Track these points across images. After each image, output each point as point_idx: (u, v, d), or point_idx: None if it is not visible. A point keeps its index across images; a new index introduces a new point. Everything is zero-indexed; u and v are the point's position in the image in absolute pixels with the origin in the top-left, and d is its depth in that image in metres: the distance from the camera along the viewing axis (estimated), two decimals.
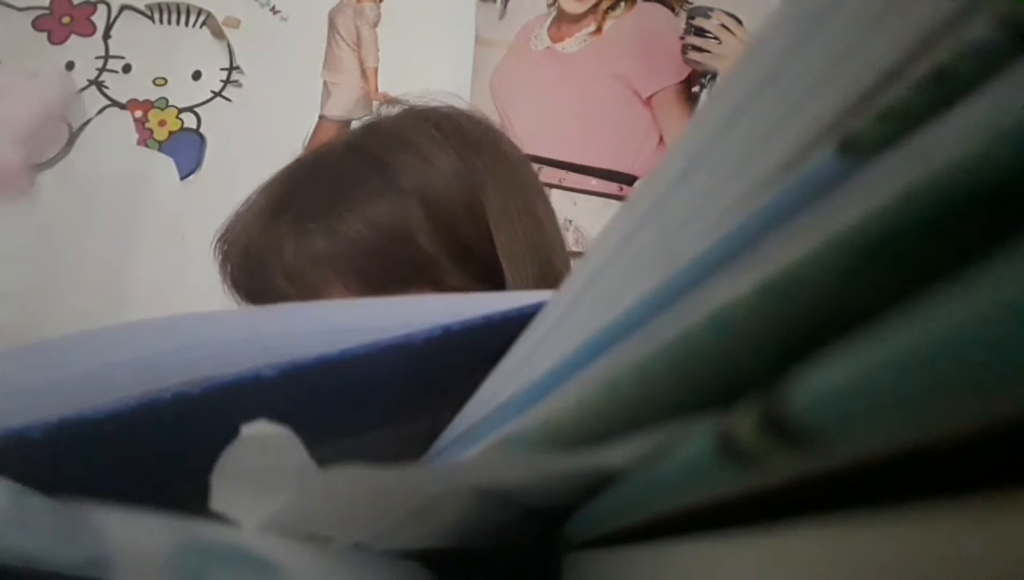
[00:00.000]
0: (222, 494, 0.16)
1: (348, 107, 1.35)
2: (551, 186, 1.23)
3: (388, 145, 0.50)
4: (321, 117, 1.34)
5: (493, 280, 0.48)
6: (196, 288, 1.27)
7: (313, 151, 0.54)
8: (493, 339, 0.21)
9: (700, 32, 1.32)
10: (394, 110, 0.54)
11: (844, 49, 0.09)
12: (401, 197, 0.47)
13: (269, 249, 0.49)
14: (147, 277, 1.27)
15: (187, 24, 1.39)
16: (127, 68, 1.38)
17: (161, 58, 1.38)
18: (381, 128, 0.53)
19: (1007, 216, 0.06)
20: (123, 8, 1.40)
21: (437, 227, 0.47)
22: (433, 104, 0.54)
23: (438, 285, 0.47)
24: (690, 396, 0.10)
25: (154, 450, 0.20)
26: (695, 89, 1.30)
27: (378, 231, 0.47)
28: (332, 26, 1.38)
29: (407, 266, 0.47)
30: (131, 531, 0.10)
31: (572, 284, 0.16)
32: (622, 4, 1.35)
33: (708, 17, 1.32)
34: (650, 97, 1.30)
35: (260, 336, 0.22)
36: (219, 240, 0.53)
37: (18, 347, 0.21)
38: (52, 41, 1.39)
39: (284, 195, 0.51)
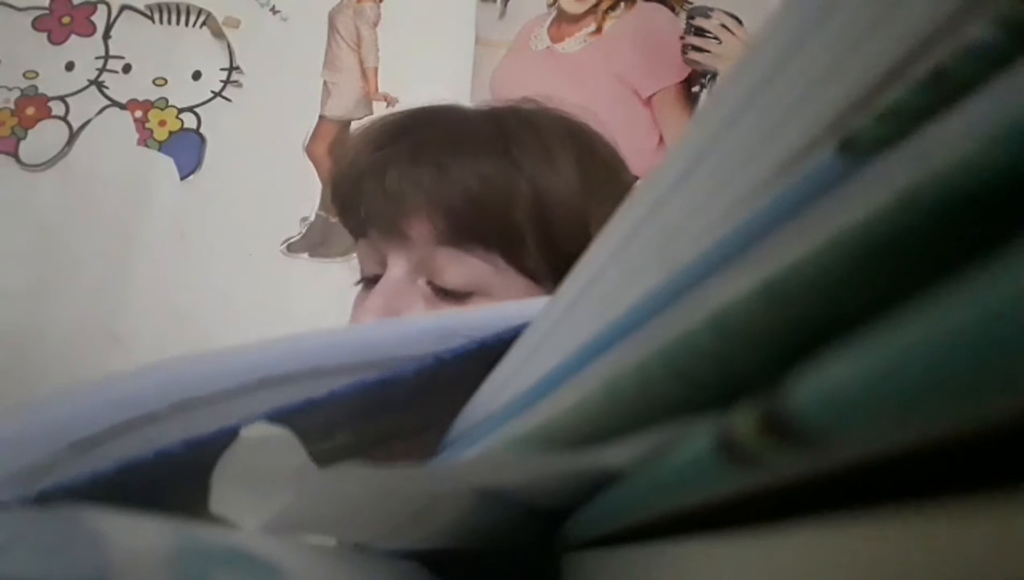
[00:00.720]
0: (222, 496, 0.16)
1: (348, 107, 1.35)
2: None
3: (521, 126, 0.52)
4: (321, 117, 1.34)
5: None
6: (196, 288, 1.28)
7: (438, 105, 0.56)
8: (490, 358, 0.21)
9: (700, 32, 1.32)
10: (531, 107, 0.56)
11: (844, 49, 0.09)
12: (515, 171, 0.49)
13: (374, 167, 0.51)
14: (147, 277, 1.27)
15: (187, 24, 1.39)
16: (127, 68, 1.38)
17: (161, 58, 1.38)
18: (518, 111, 0.54)
19: (1007, 216, 0.06)
20: (123, 8, 1.40)
21: (536, 210, 0.49)
22: (570, 115, 0.55)
23: (515, 260, 0.49)
24: (690, 396, 0.10)
25: (165, 499, 0.20)
26: (695, 89, 1.30)
27: (484, 184, 0.48)
28: (332, 26, 1.38)
29: (494, 229, 0.48)
30: (130, 535, 0.10)
31: (572, 284, 0.16)
32: (622, 4, 1.35)
33: (708, 17, 1.32)
34: (650, 97, 1.30)
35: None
36: (333, 148, 0.57)
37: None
38: (52, 41, 1.39)
39: (403, 127, 0.53)
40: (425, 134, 0.51)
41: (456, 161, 0.49)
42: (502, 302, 0.48)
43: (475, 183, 0.48)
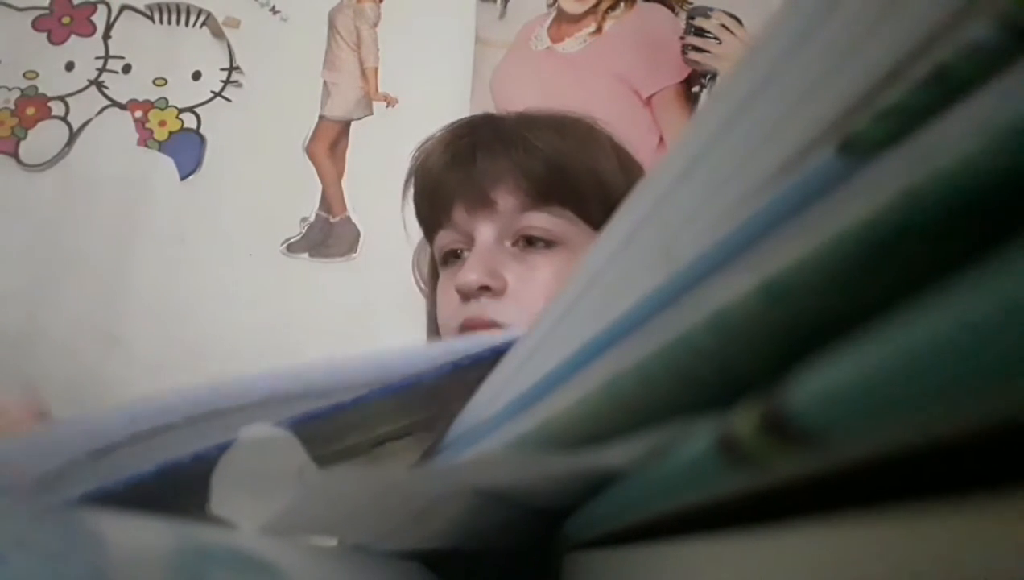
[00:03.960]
0: (222, 497, 0.16)
1: (348, 107, 1.35)
2: None
3: (563, 116, 0.63)
4: (321, 117, 1.34)
5: None
6: (196, 288, 1.27)
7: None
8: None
9: (700, 32, 1.32)
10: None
11: (844, 49, 0.09)
12: (573, 143, 0.60)
13: (462, 151, 0.60)
14: (147, 277, 1.27)
15: (187, 24, 1.39)
16: (127, 68, 1.38)
17: (161, 58, 1.38)
18: (553, 111, 0.65)
19: (1007, 216, 0.06)
20: (123, 8, 1.40)
21: (591, 171, 0.60)
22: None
23: (583, 213, 0.58)
24: (690, 396, 0.10)
25: (176, 508, 0.20)
26: (695, 89, 1.30)
27: (556, 153, 0.59)
28: (332, 26, 1.38)
29: (566, 189, 0.58)
30: (130, 536, 0.10)
31: (572, 285, 0.16)
32: (622, 4, 1.35)
33: (708, 17, 1.32)
34: (650, 97, 1.30)
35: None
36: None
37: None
38: (52, 41, 1.39)
39: (473, 123, 0.63)
40: (497, 124, 0.62)
41: (534, 136, 0.59)
42: (571, 254, 0.58)
43: (550, 152, 0.59)
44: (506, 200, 0.58)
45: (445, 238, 0.60)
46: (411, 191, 0.64)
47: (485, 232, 0.58)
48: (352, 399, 0.22)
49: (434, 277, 0.65)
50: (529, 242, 0.58)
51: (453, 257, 0.60)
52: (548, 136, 0.60)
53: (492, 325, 0.56)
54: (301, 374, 0.23)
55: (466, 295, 0.56)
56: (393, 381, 0.22)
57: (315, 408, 0.22)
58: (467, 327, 0.56)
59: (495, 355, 0.22)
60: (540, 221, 0.58)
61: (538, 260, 0.57)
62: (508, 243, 0.58)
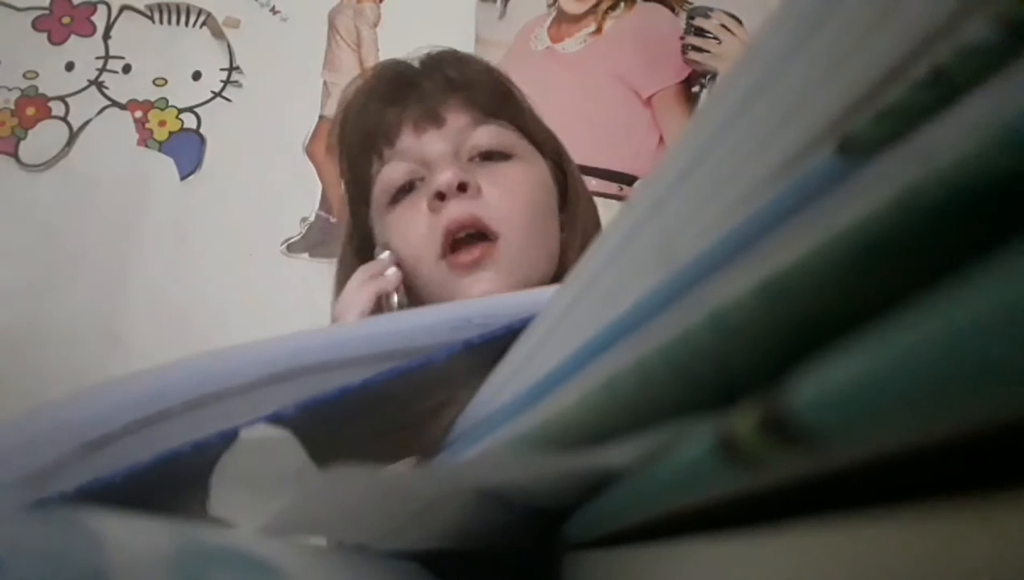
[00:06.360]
0: (221, 498, 0.16)
1: None
2: None
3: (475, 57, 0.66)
4: (321, 117, 1.34)
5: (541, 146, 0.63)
6: (196, 288, 1.27)
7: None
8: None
9: (700, 32, 1.32)
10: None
11: (844, 49, 0.09)
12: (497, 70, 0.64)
13: (407, 80, 0.59)
14: (147, 277, 1.27)
15: (187, 24, 1.39)
16: (127, 68, 1.38)
17: (161, 58, 1.37)
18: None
19: (1007, 216, 0.06)
20: (123, 8, 1.40)
21: (522, 98, 0.62)
22: None
23: (524, 129, 0.60)
24: (690, 396, 0.10)
25: (176, 503, 0.20)
26: (695, 89, 1.30)
27: (495, 72, 0.63)
28: (332, 26, 1.38)
29: (509, 104, 0.60)
30: (130, 536, 0.10)
31: (573, 284, 0.16)
32: (622, 4, 1.35)
33: (708, 17, 1.32)
34: (650, 97, 1.30)
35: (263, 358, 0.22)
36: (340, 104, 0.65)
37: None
38: (52, 41, 1.39)
39: (397, 61, 0.62)
40: (425, 58, 0.61)
41: (465, 60, 0.62)
42: (529, 166, 0.58)
43: (486, 67, 0.62)
44: (456, 116, 0.57)
45: (395, 171, 0.58)
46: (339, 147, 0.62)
47: (439, 147, 0.57)
48: (361, 382, 0.21)
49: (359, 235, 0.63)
50: (486, 157, 0.57)
51: (406, 191, 0.58)
52: (476, 62, 0.62)
53: (476, 221, 0.54)
54: (301, 346, 0.22)
55: (443, 196, 0.54)
56: (402, 365, 0.22)
57: (321, 393, 0.21)
58: (452, 229, 0.54)
59: (507, 334, 0.22)
60: (492, 134, 0.57)
61: (501, 167, 0.57)
62: (465, 159, 0.57)
